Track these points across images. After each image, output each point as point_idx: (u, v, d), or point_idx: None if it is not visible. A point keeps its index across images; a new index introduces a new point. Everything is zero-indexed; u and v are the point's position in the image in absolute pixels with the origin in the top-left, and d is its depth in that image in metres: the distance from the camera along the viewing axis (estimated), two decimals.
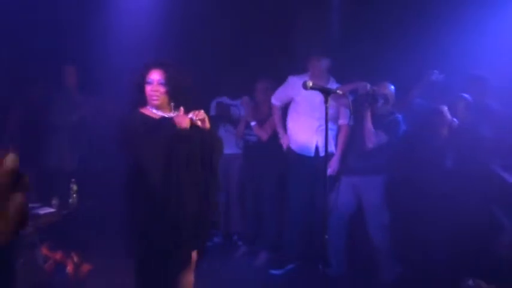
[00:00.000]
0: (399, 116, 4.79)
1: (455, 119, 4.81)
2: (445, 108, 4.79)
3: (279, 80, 5.28)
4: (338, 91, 3.56)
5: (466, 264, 4.42)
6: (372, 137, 4.66)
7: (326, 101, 3.38)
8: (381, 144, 4.69)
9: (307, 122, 5.02)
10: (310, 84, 3.35)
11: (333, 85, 4.88)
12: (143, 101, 3.34)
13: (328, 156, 3.65)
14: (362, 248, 5.02)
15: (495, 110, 4.95)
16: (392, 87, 4.82)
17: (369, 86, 4.65)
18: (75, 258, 4.68)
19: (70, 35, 5.84)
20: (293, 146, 5.13)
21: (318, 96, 4.50)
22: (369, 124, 4.66)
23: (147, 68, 3.33)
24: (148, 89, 3.31)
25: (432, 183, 4.63)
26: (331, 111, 3.42)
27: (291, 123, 5.15)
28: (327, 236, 3.41)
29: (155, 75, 3.31)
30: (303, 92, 4.29)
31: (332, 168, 4.94)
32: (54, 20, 5.69)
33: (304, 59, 5.11)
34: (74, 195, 5.00)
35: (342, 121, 5.04)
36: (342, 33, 5.95)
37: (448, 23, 5.20)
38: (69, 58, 5.89)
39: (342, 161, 5.00)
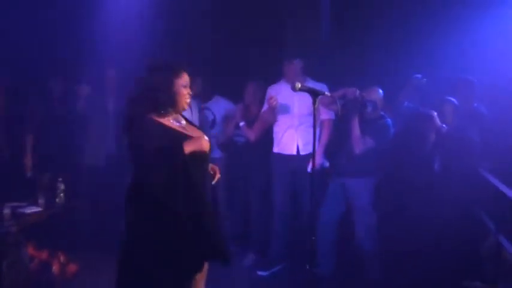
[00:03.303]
0: (389, 120, 4.82)
1: (444, 125, 4.84)
2: (435, 114, 4.83)
3: (267, 82, 5.30)
4: (326, 93, 3.58)
5: (452, 266, 4.46)
6: (360, 144, 4.69)
7: (314, 103, 3.40)
8: (368, 148, 4.72)
9: (287, 121, 5.05)
10: (299, 86, 3.37)
11: (310, 84, 4.89)
12: (165, 104, 3.10)
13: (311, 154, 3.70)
14: (350, 249, 5.04)
15: (482, 113, 5.00)
16: (381, 91, 4.84)
17: (357, 92, 4.67)
18: (62, 258, 4.65)
19: (60, 34, 5.82)
20: (275, 148, 5.15)
21: (297, 95, 4.54)
22: (356, 131, 4.69)
23: (179, 70, 3.14)
24: (185, 92, 3.13)
25: (420, 186, 4.66)
26: (311, 110, 3.44)
27: (275, 127, 5.17)
28: (314, 237, 3.43)
29: (187, 78, 3.16)
30: (281, 92, 4.33)
31: (316, 163, 4.92)
32: (44, 18, 5.67)
33: (279, 65, 5.14)
34: (61, 195, 4.96)
35: (324, 116, 5.06)
36: (332, 36, 5.98)
37: (437, 27, 5.26)
38: (58, 58, 5.87)
39: (331, 162, 5.02)
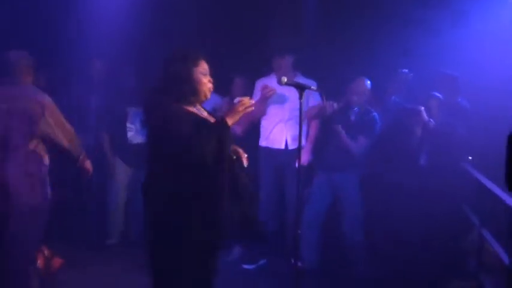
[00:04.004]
0: (375, 114, 4.84)
1: (431, 120, 4.87)
2: (422, 109, 4.86)
3: (253, 77, 5.29)
4: (312, 87, 3.58)
5: (437, 260, 4.49)
6: (354, 148, 4.74)
7: (301, 97, 3.40)
8: (364, 147, 4.77)
9: (277, 115, 5.05)
10: (285, 80, 3.37)
11: (300, 80, 4.90)
12: (187, 95, 3.01)
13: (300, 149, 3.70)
14: (336, 243, 5.06)
15: (466, 107, 5.04)
16: (369, 82, 4.86)
17: (335, 104, 4.68)
18: (46, 252, 4.62)
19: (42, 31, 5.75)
20: (263, 142, 5.16)
21: (287, 90, 4.54)
22: (344, 139, 4.74)
23: (197, 58, 3.04)
24: (205, 81, 3.05)
25: (406, 181, 4.69)
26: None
27: (263, 121, 5.17)
28: (299, 231, 3.44)
29: (206, 66, 3.07)
30: (272, 86, 4.32)
31: (303, 159, 4.94)
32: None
33: (269, 59, 5.14)
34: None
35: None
36: (316, 31, 5.99)
37: (420, 23, 5.29)
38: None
39: (318, 157, 5.04)
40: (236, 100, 3.10)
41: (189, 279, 2.97)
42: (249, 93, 5.24)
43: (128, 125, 5.40)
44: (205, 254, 3.01)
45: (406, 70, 5.21)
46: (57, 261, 4.61)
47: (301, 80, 4.76)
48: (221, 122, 2.97)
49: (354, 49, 5.47)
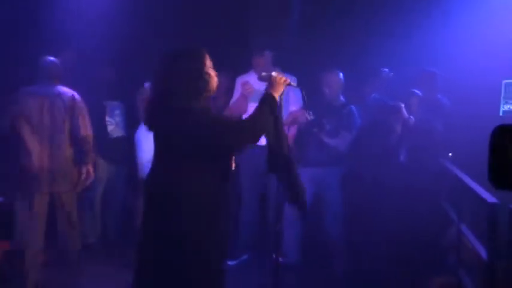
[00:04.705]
0: (352, 107, 4.88)
1: (411, 117, 4.91)
2: (402, 105, 4.89)
3: (235, 72, 5.28)
4: (292, 83, 3.56)
5: (417, 257, 4.52)
6: (338, 144, 4.78)
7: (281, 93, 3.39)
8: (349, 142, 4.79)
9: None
10: (264, 74, 3.34)
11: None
12: (201, 91, 2.93)
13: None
14: (317, 239, 5.08)
15: (445, 104, 5.09)
16: (341, 74, 4.89)
17: (309, 114, 4.70)
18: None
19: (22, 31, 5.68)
20: None
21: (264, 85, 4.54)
22: (328, 141, 4.77)
23: (204, 53, 2.97)
24: (213, 74, 2.98)
25: (386, 178, 4.72)
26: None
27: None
28: (279, 226, 3.45)
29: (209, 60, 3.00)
30: (251, 83, 4.32)
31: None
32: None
33: (249, 56, 5.13)
34: None
35: (293, 107, 5.07)
36: (301, 24, 5.99)
37: (401, 22, 5.34)
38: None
39: (299, 153, 5.05)
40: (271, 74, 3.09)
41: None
42: (230, 90, 5.24)
43: (107, 118, 5.34)
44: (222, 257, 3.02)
45: (387, 69, 5.25)
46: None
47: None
48: (270, 96, 2.98)
49: (336, 46, 5.49)
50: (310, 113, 4.69)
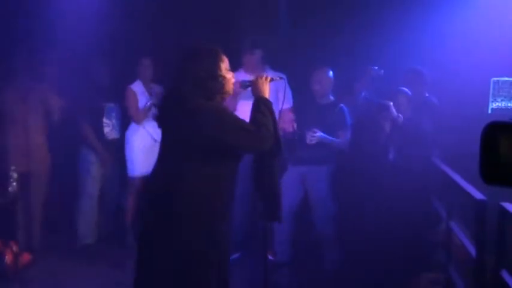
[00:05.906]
0: (343, 106, 4.90)
1: (400, 115, 4.93)
2: (391, 104, 4.91)
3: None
4: (276, 77, 3.52)
5: (406, 253, 4.54)
6: (339, 144, 4.84)
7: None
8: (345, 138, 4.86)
9: (247, 110, 5.02)
10: (243, 82, 3.31)
11: (269, 73, 4.90)
12: (216, 92, 2.91)
13: None
14: (307, 237, 5.09)
15: (434, 103, 5.12)
16: (331, 72, 4.90)
17: (294, 125, 4.73)
18: (15, 248, 4.56)
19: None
20: None
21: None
22: (330, 143, 4.80)
23: (221, 54, 2.95)
24: (229, 76, 2.95)
25: (375, 176, 4.74)
26: (273, 99, 3.42)
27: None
28: (269, 225, 3.46)
29: (227, 61, 2.97)
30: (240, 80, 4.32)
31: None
32: None
33: (238, 55, 5.12)
34: (14, 184, 4.85)
35: (283, 106, 5.06)
36: (289, 17, 6.00)
37: (392, 15, 5.36)
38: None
39: (290, 152, 5.05)
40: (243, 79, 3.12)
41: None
42: None
43: (105, 120, 5.33)
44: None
45: (376, 67, 5.26)
46: (25, 257, 4.56)
47: (270, 73, 4.77)
48: (264, 100, 3.01)
49: (327, 43, 5.50)
50: (295, 125, 4.70)
